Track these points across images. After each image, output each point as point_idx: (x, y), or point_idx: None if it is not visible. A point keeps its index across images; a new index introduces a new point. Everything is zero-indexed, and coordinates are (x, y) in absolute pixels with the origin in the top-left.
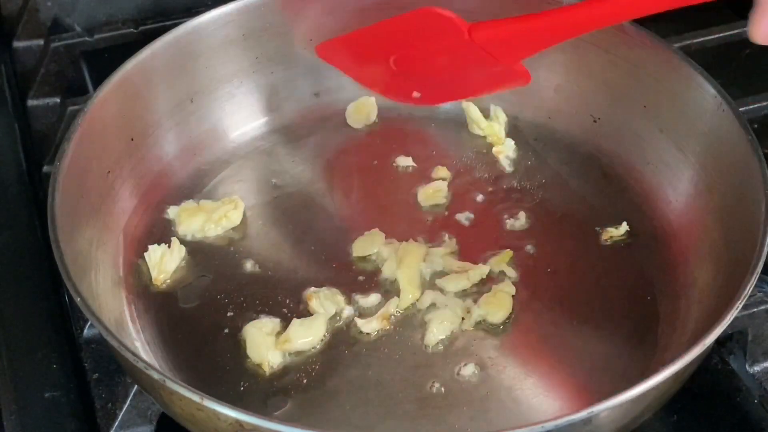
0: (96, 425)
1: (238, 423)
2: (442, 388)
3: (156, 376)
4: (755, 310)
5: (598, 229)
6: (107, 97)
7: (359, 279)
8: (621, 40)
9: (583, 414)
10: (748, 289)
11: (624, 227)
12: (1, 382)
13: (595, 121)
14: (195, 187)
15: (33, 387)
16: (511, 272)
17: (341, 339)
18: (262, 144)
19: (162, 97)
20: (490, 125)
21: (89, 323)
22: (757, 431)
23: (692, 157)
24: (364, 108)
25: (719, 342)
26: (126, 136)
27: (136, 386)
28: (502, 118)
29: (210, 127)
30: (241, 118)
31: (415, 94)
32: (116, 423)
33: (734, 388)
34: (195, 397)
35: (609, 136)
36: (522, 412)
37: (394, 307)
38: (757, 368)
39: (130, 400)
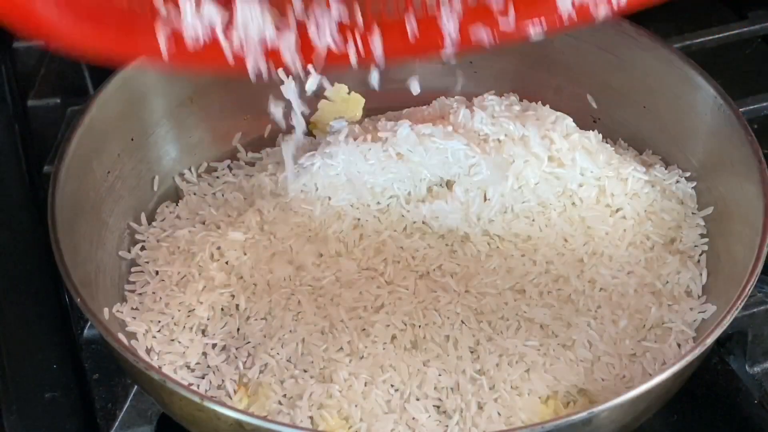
0: (96, 425)
1: (238, 423)
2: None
3: (156, 376)
4: (755, 310)
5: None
6: (107, 97)
7: None
8: (621, 40)
9: (583, 414)
10: (748, 290)
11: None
12: (1, 382)
13: (594, 122)
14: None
15: (33, 387)
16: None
17: None
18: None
19: (162, 97)
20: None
21: (89, 323)
22: (757, 431)
23: (692, 157)
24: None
25: (719, 342)
26: (126, 136)
27: (136, 386)
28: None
29: (210, 127)
30: (241, 117)
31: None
32: (116, 423)
33: (734, 388)
34: (195, 397)
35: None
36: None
37: None
38: (757, 368)
39: (130, 400)
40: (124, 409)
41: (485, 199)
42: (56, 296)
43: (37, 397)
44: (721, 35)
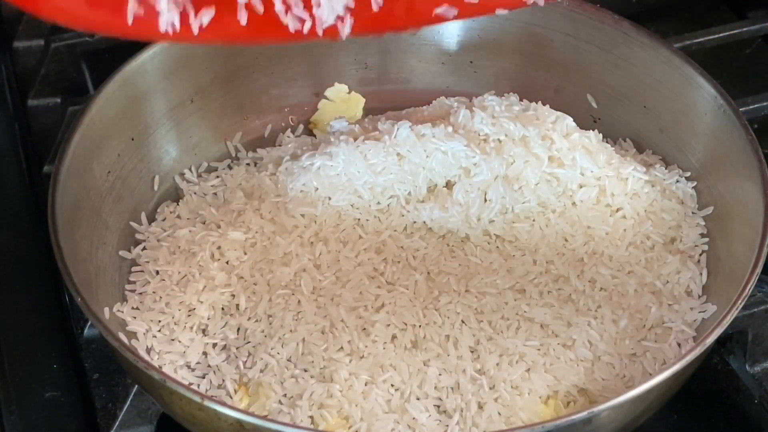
0: (96, 425)
1: (239, 423)
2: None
3: (156, 376)
4: (755, 310)
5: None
6: (107, 97)
7: None
8: (621, 40)
9: (583, 414)
10: (748, 290)
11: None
12: (1, 382)
13: (595, 122)
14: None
15: (33, 387)
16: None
17: None
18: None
19: (162, 97)
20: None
21: (89, 323)
22: (757, 431)
23: (692, 157)
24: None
25: (719, 342)
26: (126, 136)
27: (136, 386)
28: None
29: (210, 127)
30: (241, 117)
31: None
32: (116, 423)
33: (734, 388)
34: (195, 397)
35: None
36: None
37: None
38: (757, 368)
39: (130, 400)
40: (124, 409)
41: (485, 200)
42: (56, 296)
43: (37, 397)
44: (721, 35)
